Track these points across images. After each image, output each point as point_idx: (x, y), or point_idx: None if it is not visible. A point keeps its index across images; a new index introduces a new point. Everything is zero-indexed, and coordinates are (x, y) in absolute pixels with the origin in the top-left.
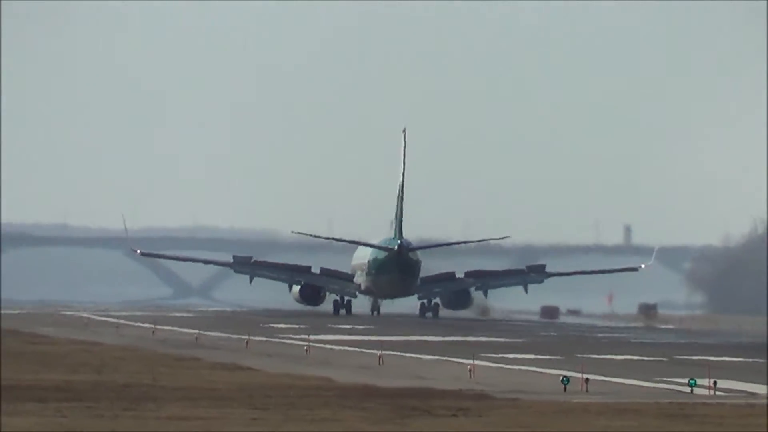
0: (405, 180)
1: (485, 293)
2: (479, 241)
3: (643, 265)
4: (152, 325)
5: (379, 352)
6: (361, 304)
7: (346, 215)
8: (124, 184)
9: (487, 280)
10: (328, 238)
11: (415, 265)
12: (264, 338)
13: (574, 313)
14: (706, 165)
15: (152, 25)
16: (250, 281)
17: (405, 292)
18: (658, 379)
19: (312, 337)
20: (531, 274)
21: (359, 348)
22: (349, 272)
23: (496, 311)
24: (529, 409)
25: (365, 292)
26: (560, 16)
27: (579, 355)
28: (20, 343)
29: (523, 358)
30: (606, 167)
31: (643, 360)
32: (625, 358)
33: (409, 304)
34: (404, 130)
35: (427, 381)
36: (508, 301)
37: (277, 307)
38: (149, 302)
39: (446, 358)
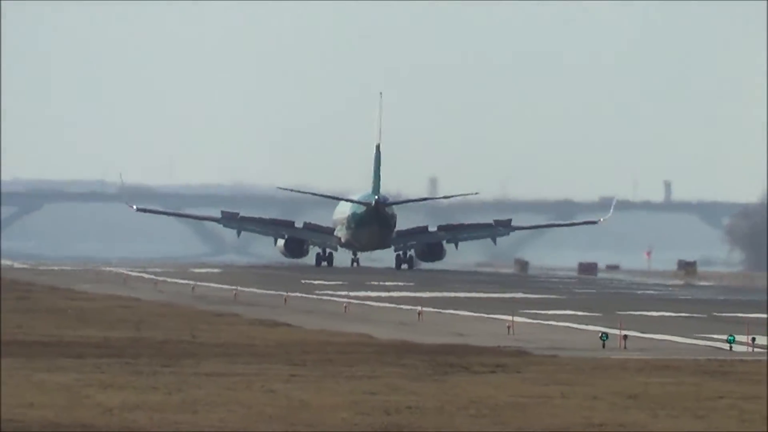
0: (381, 140)
1: (456, 245)
2: (451, 196)
3: (602, 219)
4: (191, 282)
5: (419, 308)
6: (343, 258)
7: (330, 173)
8: (155, 140)
9: (457, 232)
10: (310, 193)
11: (391, 219)
12: (303, 295)
13: (613, 269)
14: (748, 122)
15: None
16: (238, 235)
17: (382, 245)
18: (697, 335)
19: (351, 293)
20: (498, 227)
21: (398, 305)
22: (331, 226)
23: (534, 267)
24: (567, 365)
25: (345, 245)
26: None
27: (617, 312)
28: (58, 299)
29: (562, 315)
30: (647, 123)
31: (681, 316)
32: (664, 315)
33: (389, 258)
34: (380, 94)
35: (465, 337)
36: (546, 257)
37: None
38: (187, 258)
39: (485, 314)
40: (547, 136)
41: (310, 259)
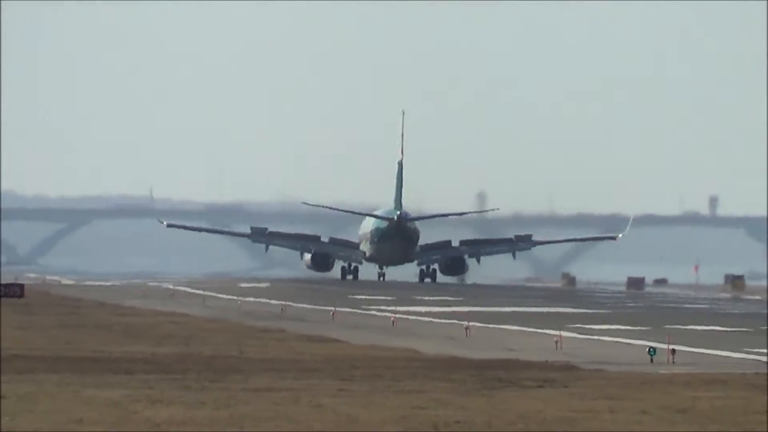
0: (404, 157)
1: (478, 260)
2: (469, 213)
3: (620, 234)
4: (238, 297)
5: (466, 323)
6: (369, 272)
7: (357, 189)
8: (203, 157)
9: (479, 247)
10: (335, 209)
11: (414, 234)
12: (350, 309)
13: (661, 283)
14: None
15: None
16: (266, 250)
17: (405, 259)
18: (745, 350)
19: (398, 308)
20: (519, 242)
21: (446, 319)
22: (357, 241)
23: (581, 282)
24: (615, 380)
25: (369, 259)
26: None
27: (665, 326)
28: (107, 315)
29: (610, 329)
30: (694, 139)
31: (729, 331)
32: (712, 329)
33: (412, 271)
34: (403, 112)
35: (513, 352)
36: (593, 272)
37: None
38: (235, 274)
39: (533, 329)
40: (594, 152)
41: (335, 272)
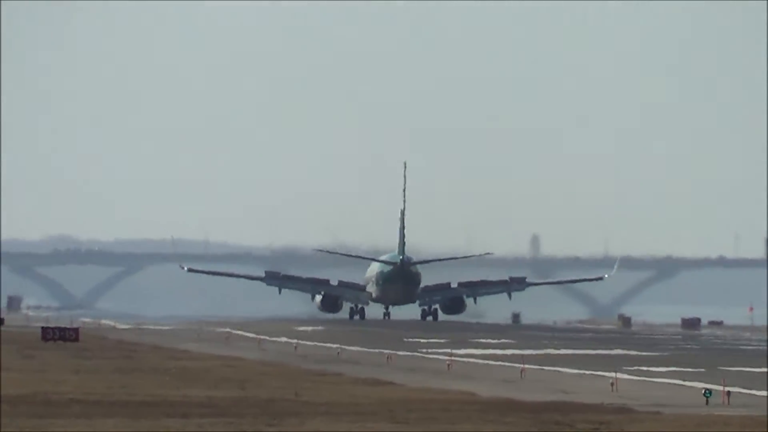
0: (406, 206)
1: (475, 300)
2: (465, 257)
3: (606, 275)
4: (294, 340)
5: (522, 365)
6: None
7: (359, 233)
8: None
9: (476, 288)
10: (344, 254)
11: (416, 277)
12: (406, 353)
13: (716, 324)
14: None
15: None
16: (279, 292)
17: (408, 300)
18: None
19: (454, 351)
20: (513, 283)
21: (501, 362)
22: (363, 283)
23: (638, 324)
24: (671, 422)
25: (375, 300)
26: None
27: (721, 368)
28: (162, 358)
29: (665, 371)
30: (748, 178)
31: None
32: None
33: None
34: (405, 164)
35: (568, 395)
36: (651, 315)
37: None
38: (286, 318)
39: (588, 371)
40: (649, 192)
41: (344, 313)
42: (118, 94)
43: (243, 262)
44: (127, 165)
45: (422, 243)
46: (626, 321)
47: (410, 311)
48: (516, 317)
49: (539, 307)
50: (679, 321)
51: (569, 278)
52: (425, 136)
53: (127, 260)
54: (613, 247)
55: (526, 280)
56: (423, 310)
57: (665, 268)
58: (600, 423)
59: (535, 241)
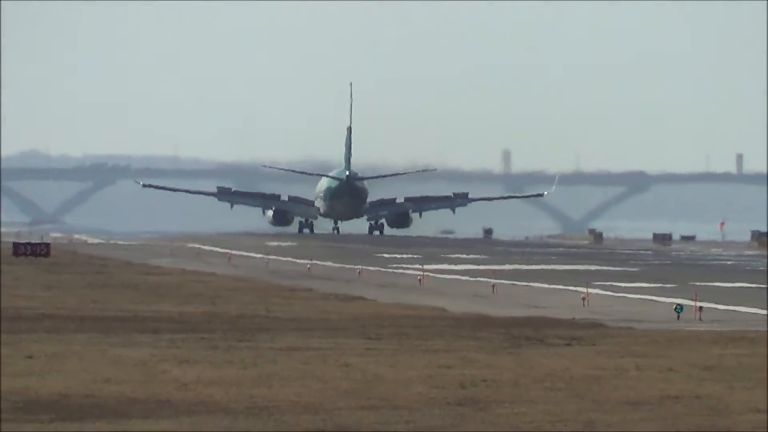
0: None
1: (420, 215)
2: (405, 173)
3: (546, 192)
4: (264, 256)
5: (493, 281)
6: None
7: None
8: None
9: (421, 204)
10: (292, 171)
11: (362, 192)
12: (376, 268)
13: (688, 239)
14: None
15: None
16: (231, 207)
17: (355, 214)
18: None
19: (425, 266)
20: (457, 199)
21: (472, 277)
22: (312, 199)
23: (609, 239)
24: (642, 337)
25: (324, 215)
26: None
27: (692, 283)
28: (133, 274)
29: (637, 287)
30: (718, 96)
31: (756, 287)
32: (739, 286)
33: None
34: (351, 84)
35: (540, 310)
36: (623, 230)
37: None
38: (259, 233)
39: (560, 286)
40: (620, 110)
41: (293, 227)
42: (91, 9)
43: (211, 177)
44: (98, 80)
45: (386, 160)
46: (598, 236)
47: (360, 226)
48: (488, 232)
49: (511, 222)
50: (650, 236)
51: (512, 194)
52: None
53: (97, 175)
54: (584, 162)
55: (468, 195)
56: (370, 225)
57: (637, 182)
58: (572, 338)
59: (506, 155)
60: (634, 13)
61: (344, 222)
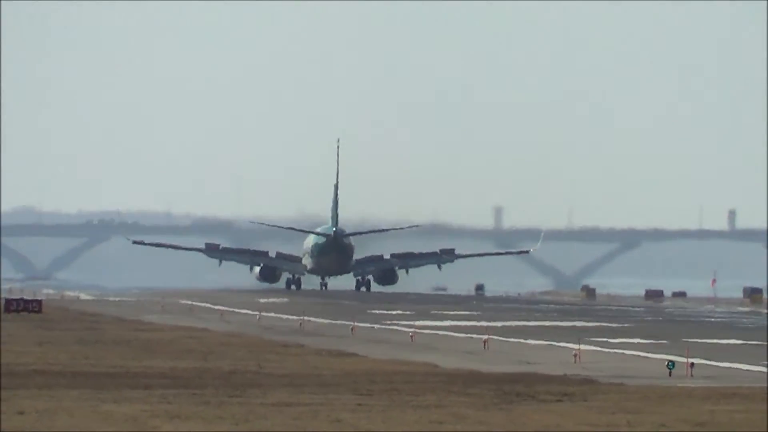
0: (339, 180)
1: (407, 271)
2: (393, 229)
3: (532, 249)
4: (257, 312)
5: (485, 337)
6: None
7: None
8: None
9: (407, 260)
10: (278, 227)
11: (349, 248)
12: (369, 324)
13: (679, 296)
14: None
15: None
16: (219, 264)
17: (341, 271)
18: (764, 363)
19: (417, 323)
20: (443, 255)
21: (464, 333)
22: (299, 255)
23: (602, 296)
24: (634, 394)
25: (311, 272)
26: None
27: (684, 339)
28: (125, 330)
29: (629, 343)
30: (711, 153)
31: (748, 344)
32: (731, 342)
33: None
34: (338, 140)
35: (532, 366)
36: (616, 286)
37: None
38: (247, 289)
39: (551, 342)
40: (613, 168)
41: (281, 284)
42: (84, 67)
43: (203, 233)
44: (93, 137)
45: (377, 215)
46: (590, 292)
47: (347, 282)
48: (479, 288)
49: (503, 278)
50: (642, 293)
51: (498, 251)
52: (386, 108)
53: (90, 232)
54: (576, 219)
55: (455, 251)
56: (357, 281)
57: (628, 239)
58: (563, 394)
59: (497, 212)
60: (629, 66)
61: (331, 279)
